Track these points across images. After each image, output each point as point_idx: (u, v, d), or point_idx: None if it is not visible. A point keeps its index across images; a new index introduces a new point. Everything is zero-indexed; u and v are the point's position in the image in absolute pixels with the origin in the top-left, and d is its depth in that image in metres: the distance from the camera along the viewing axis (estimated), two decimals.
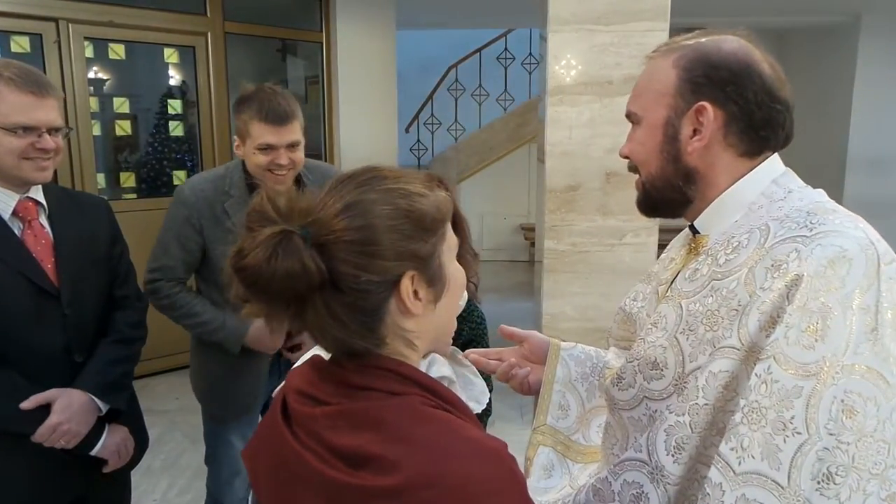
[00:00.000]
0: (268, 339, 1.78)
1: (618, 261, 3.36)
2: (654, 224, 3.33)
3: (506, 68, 8.19)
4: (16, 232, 1.42)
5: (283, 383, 0.84)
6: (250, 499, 2.13)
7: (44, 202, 1.48)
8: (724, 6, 5.89)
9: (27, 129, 1.36)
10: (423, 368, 1.47)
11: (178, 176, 4.41)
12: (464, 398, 1.45)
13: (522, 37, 8.18)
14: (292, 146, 1.72)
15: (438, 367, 1.46)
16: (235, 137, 1.77)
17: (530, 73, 8.16)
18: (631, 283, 3.72)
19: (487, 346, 1.62)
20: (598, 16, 3.20)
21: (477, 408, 1.47)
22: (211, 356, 1.91)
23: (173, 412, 3.62)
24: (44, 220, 1.47)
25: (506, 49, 8.20)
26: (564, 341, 1.34)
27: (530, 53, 8.19)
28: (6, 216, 1.41)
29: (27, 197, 1.44)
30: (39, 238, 1.45)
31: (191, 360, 2.04)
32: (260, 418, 2.02)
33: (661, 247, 3.64)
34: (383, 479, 0.66)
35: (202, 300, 1.83)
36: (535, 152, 4.19)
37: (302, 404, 0.77)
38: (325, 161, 4.92)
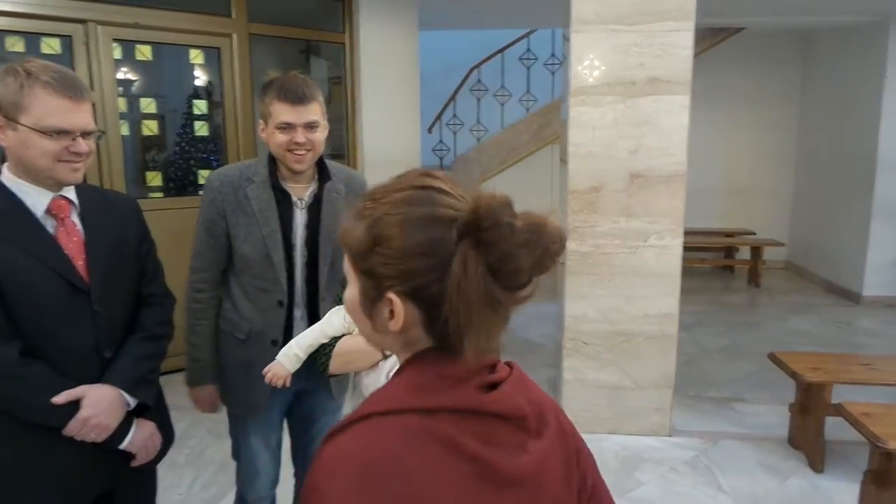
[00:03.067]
0: (205, 401, 1.99)
1: (641, 263, 3.33)
2: (679, 226, 3.29)
3: (528, 69, 8.15)
4: (49, 230, 1.44)
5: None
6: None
7: (76, 201, 1.50)
8: (751, 6, 5.81)
9: (62, 133, 1.38)
10: (391, 362, 1.47)
11: (203, 175, 4.46)
12: None
13: (545, 37, 8.14)
14: (310, 126, 1.74)
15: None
16: (260, 121, 1.81)
17: (553, 74, 8.12)
18: (655, 285, 3.70)
19: None
20: (621, 16, 3.17)
21: None
22: (223, 352, 1.93)
23: None
24: (76, 218, 1.49)
25: (528, 49, 8.16)
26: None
27: (553, 54, 8.14)
28: (39, 214, 1.43)
29: (60, 195, 1.46)
30: (71, 236, 1.47)
31: None
32: (279, 421, 2.03)
33: (687, 249, 3.61)
34: None
35: (209, 332, 1.91)
36: (558, 153, 4.16)
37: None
38: (348, 161, 4.94)
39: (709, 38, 7.27)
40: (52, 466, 1.46)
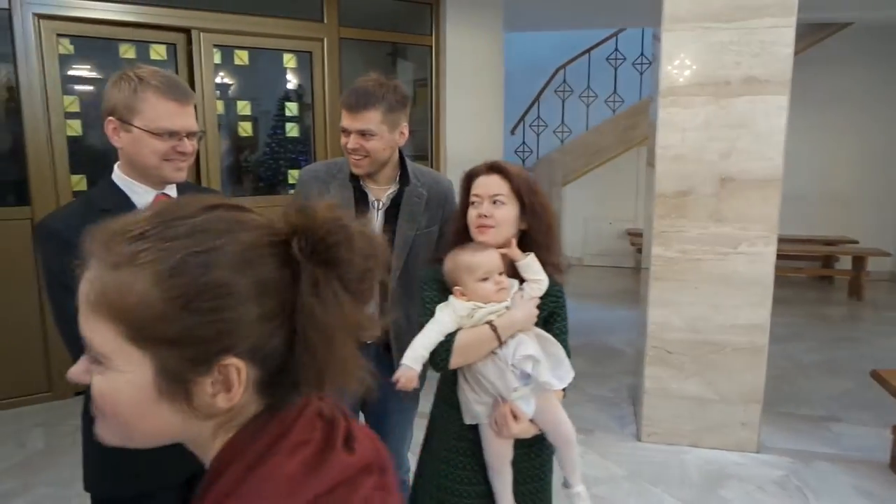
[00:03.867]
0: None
1: (731, 271, 3.19)
2: (773, 233, 3.13)
3: (615, 69, 7.98)
4: None
5: None
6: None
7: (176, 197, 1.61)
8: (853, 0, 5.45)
9: (171, 134, 1.48)
10: (510, 348, 1.52)
11: (293, 175, 4.63)
12: (548, 376, 1.51)
13: (634, 37, 7.95)
14: (363, 133, 1.76)
15: (525, 347, 1.52)
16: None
17: (641, 74, 7.91)
18: (745, 294, 3.54)
19: (566, 321, 1.68)
20: (716, 12, 3.05)
21: (558, 385, 1.56)
22: None
23: None
24: None
25: (616, 49, 7.99)
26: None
27: (642, 53, 7.94)
28: None
29: (163, 193, 1.57)
30: None
31: None
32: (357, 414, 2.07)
33: (781, 257, 3.43)
34: None
35: None
36: (645, 156, 4.05)
37: None
38: (431, 162, 5.01)
39: (811, 34, 6.88)
40: (147, 450, 1.55)
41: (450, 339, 1.56)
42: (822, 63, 6.97)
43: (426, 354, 1.57)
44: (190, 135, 1.51)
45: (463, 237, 1.66)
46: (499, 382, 1.55)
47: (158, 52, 4.29)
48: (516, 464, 1.65)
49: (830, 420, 3.70)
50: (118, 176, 1.54)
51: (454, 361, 1.56)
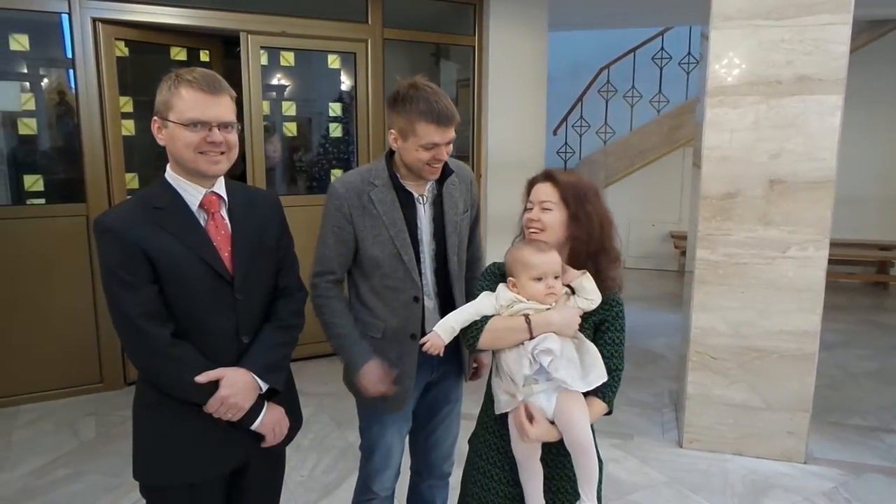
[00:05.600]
0: (373, 380, 1.89)
1: (779, 275, 3.10)
2: (825, 237, 3.04)
3: (661, 69, 7.84)
4: (201, 223, 1.59)
5: None
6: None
7: (225, 196, 1.64)
8: None
9: (200, 124, 1.51)
10: (534, 342, 1.54)
11: (335, 174, 4.70)
12: (563, 373, 1.53)
13: (681, 35, 7.80)
14: (449, 142, 1.82)
15: (549, 341, 1.55)
16: (393, 131, 1.84)
17: (688, 74, 7.76)
18: (793, 300, 3.44)
19: (619, 333, 1.67)
20: (768, 10, 2.97)
21: (575, 385, 1.55)
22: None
23: (322, 395, 3.86)
24: (224, 213, 1.63)
25: (662, 49, 7.85)
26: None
27: (689, 52, 7.78)
28: (194, 208, 1.58)
29: (212, 191, 1.61)
30: (220, 229, 1.61)
31: None
32: (412, 412, 2.09)
33: (832, 262, 3.32)
34: None
35: (347, 315, 1.94)
36: (690, 156, 3.96)
37: None
38: (472, 163, 5.01)
39: (868, 31, 6.64)
40: (195, 439, 1.61)
41: (485, 319, 1.63)
42: (882, 61, 6.71)
43: (456, 328, 1.64)
44: (222, 126, 1.53)
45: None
46: (514, 367, 1.57)
47: (206, 54, 4.42)
48: (548, 465, 1.65)
49: (883, 431, 3.57)
50: (170, 175, 1.58)
51: (483, 341, 1.62)
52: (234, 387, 1.57)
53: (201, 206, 1.58)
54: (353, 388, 2.03)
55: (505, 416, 1.65)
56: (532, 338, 1.57)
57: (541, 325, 1.57)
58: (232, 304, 1.60)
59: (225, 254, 1.59)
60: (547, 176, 1.71)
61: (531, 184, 1.74)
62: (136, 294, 1.48)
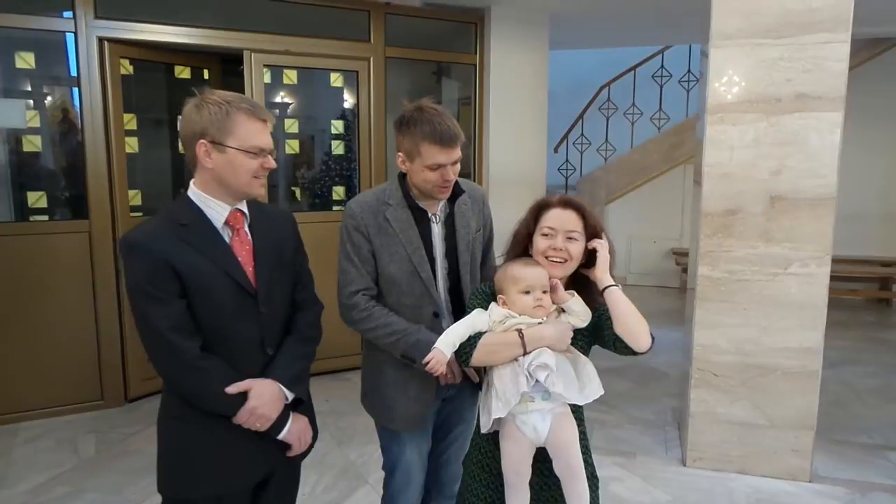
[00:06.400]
0: (440, 363, 1.67)
1: (781, 292, 3.10)
2: (826, 254, 3.04)
3: (661, 86, 7.89)
4: (226, 239, 1.63)
5: None
6: None
7: (247, 213, 1.69)
8: None
9: (262, 151, 1.58)
10: (529, 357, 1.55)
11: (338, 192, 4.71)
12: (560, 388, 1.54)
13: (681, 53, 7.85)
14: (455, 162, 1.84)
15: (542, 357, 1.56)
16: (400, 154, 1.87)
17: (688, 91, 7.80)
18: (796, 317, 3.43)
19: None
20: (766, 29, 3.00)
21: (572, 398, 1.56)
22: (380, 371, 1.99)
23: (323, 413, 3.83)
24: (247, 229, 1.68)
25: (662, 67, 7.91)
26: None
27: (689, 70, 7.83)
28: (219, 225, 1.62)
29: (236, 209, 1.65)
30: (244, 244, 1.65)
31: (363, 373, 2.12)
32: (431, 430, 2.08)
33: (834, 279, 3.32)
34: None
35: (396, 315, 1.90)
36: (691, 174, 3.97)
37: None
38: (473, 180, 5.02)
39: (866, 49, 6.68)
40: (224, 450, 1.63)
41: (479, 335, 1.64)
42: (882, 78, 6.75)
43: (457, 343, 1.64)
44: (271, 151, 1.62)
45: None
46: (510, 386, 1.56)
47: (208, 72, 4.46)
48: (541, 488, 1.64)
49: (888, 449, 3.54)
50: (194, 192, 1.62)
51: (476, 357, 1.63)
52: (262, 397, 1.61)
53: (227, 222, 1.63)
54: (375, 411, 2.03)
55: (496, 435, 1.65)
56: (526, 352, 1.58)
57: (534, 339, 1.58)
58: (256, 317, 1.64)
59: (249, 269, 1.64)
60: (569, 204, 1.71)
61: (544, 207, 1.73)
62: (164, 308, 1.52)
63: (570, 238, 1.67)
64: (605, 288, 1.61)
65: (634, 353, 1.59)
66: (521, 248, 1.75)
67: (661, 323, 6.00)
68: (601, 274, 1.63)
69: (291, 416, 1.70)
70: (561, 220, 1.68)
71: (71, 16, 3.71)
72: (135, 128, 4.03)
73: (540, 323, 1.61)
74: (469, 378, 2.01)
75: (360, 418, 2.37)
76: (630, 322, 1.56)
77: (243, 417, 1.59)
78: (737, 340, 3.19)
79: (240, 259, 1.62)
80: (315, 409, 1.91)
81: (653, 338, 1.60)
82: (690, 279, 3.54)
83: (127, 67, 3.98)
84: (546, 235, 1.68)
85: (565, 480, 1.58)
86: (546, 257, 1.67)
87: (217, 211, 1.61)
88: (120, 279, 3.99)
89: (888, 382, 4.62)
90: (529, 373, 1.55)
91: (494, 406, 1.58)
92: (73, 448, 3.52)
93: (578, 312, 1.63)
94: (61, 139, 3.99)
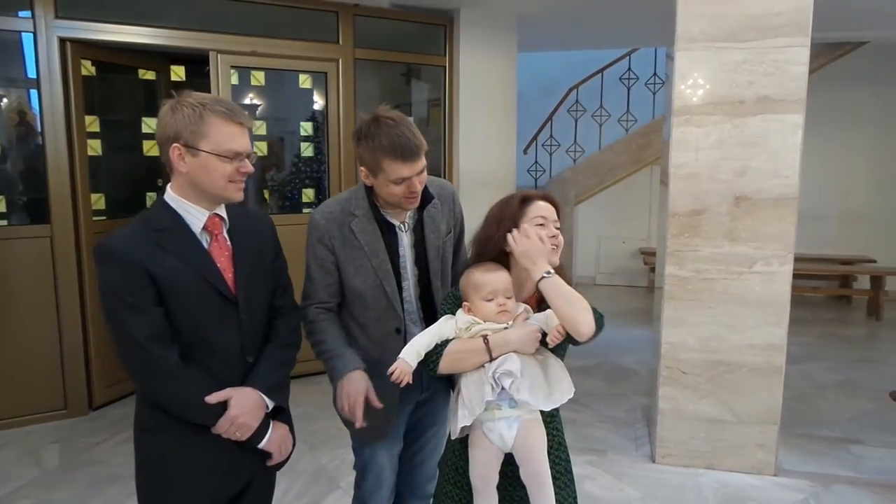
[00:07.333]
0: (353, 392, 1.79)
1: (746, 290, 3.16)
2: (789, 252, 3.11)
3: (628, 88, 8.00)
4: (204, 244, 1.59)
5: None
6: None
7: (226, 218, 1.64)
8: (870, 19, 5.43)
9: (237, 155, 1.54)
10: (494, 364, 1.54)
11: (308, 194, 4.67)
12: (526, 395, 1.52)
13: (647, 56, 7.97)
14: (421, 172, 1.79)
15: (507, 363, 1.55)
16: (363, 168, 1.81)
17: (654, 94, 7.92)
18: (760, 314, 3.51)
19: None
20: (730, 33, 3.06)
21: (537, 404, 1.54)
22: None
23: (294, 417, 3.79)
24: (226, 234, 1.64)
25: (629, 69, 8.02)
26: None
27: (655, 73, 7.96)
28: (197, 230, 1.57)
29: (215, 213, 1.61)
30: (223, 250, 1.61)
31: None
32: (402, 433, 2.07)
33: (797, 277, 3.40)
34: None
35: (335, 331, 1.90)
36: (657, 174, 4.04)
37: None
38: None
39: (825, 53, 6.86)
40: (202, 461, 1.59)
41: (445, 343, 1.63)
42: (840, 81, 6.94)
43: (421, 352, 1.63)
44: (249, 155, 1.58)
45: (503, 255, 1.70)
46: (476, 393, 1.55)
47: (178, 73, 4.39)
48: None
49: (850, 442, 3.64)
50: (171, 197, 1.57)
51: (443, 366, 1.63)
52: (243, 406, 1.57)
53: (205, 228, 1.58)
54: (344, 421, 2.00)
55: (468, 438, 1.64)
56: (492, 359, 1.57)
57: (499, 344, 1.58)
58: (237, 324, 1.60)
59: (228, 275, 1.60)
60: (548, 198, 1.74)
61: (527, 200, 1.71)
62: (142, 317, 1.47)
63: (557, 228, 1.71)
64: (539, 280, 1.57)
65: (576, 341, 1.55)
66: (497, 250, 1.69)
67: (630, 322, 6.08)
68: (529, 266, 1.60)
69: (272, 424, 1.67)
70: (548, 210, 1.71)
71: (28, 15, 3.61)
72: (97, 130, 3.95)
73: (506, 328, 1.61)
74: (449, 379, 2.00)
75: (332, 422, 2.34)
76: (561, 307, 1.53)
77: (224, 427, 1.55)
78: (703, 338, 3.25)
79: (219, 265, 1.58)
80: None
81: (600, 324, 1.55)
82: (658, 278, 3.59)
83: (89, 69, 3.89)
84: (541, 225, 1.68)
85: (531, 488, 1.57)
86: (552, 246, 1.67)
87: (195, 216, 1.57)
88: (84, 284, 3.89)
89: (849, 377, 4.75)
90: (495, 380, 1.54)
91: (461, 414, 1.57)
92: (35, 459, 3.42)
93: (541, 320, 1.62)
94: (19, 142, 3.88)
